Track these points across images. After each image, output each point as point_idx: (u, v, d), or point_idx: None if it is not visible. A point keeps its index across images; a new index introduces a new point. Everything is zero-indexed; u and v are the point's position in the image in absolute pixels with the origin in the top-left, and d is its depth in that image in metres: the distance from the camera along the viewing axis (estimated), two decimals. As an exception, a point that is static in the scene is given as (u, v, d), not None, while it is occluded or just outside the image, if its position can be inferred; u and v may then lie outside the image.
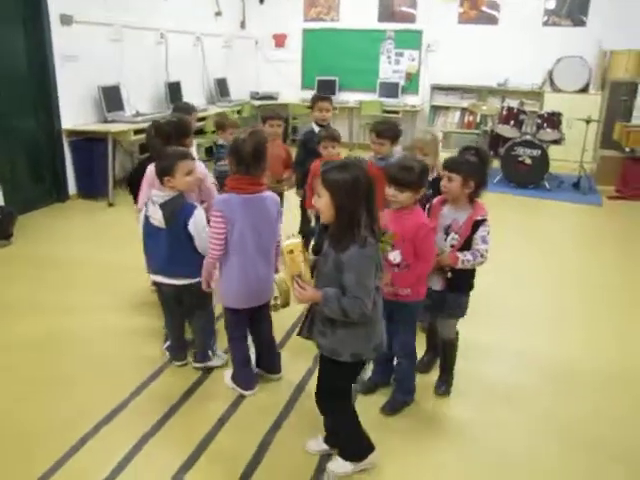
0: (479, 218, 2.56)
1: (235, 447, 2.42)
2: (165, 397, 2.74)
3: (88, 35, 6.00)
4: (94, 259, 4.46)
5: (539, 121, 7.23)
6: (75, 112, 5.97)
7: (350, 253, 1.91)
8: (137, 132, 6.10)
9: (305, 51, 9.86)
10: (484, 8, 8.91)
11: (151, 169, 2.88)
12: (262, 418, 2.60)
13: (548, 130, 7.15)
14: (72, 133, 5.91)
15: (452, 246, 2.57)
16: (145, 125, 6.14)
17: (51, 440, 2.43)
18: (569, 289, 4.25)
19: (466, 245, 2.56)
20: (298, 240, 2.01)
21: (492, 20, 8.91)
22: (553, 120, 7.17)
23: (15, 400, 2.71)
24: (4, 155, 5.27)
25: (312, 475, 2.27)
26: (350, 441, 2.30)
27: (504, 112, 7.41)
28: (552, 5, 8.67)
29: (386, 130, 3.59)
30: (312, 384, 2.55)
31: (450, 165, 2.55)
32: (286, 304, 2.52)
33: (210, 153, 5.66)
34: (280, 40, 9.91)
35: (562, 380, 3.03)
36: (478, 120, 9.08)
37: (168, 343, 3.08)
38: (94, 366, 3.01)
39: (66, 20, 5.69)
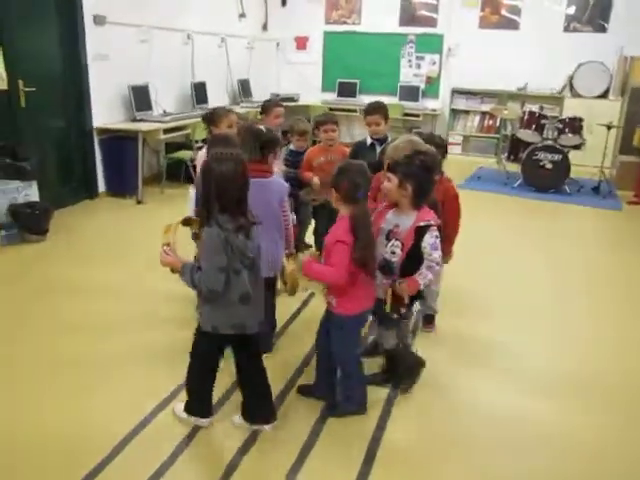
0: (422, 224, 2.46)
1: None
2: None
3: (119, 35, 6.12)
4: (126, 255, 4.57)
5: (560, 126, 7.28)
6: (106, 111, 6.09)
7: (204, 232, 2.17)
8: (165, 131, 6.23)
9: (326, 54, 9.95)
10: (505, 13, 8.99)
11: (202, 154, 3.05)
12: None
13: (569, 135, 7.20)
14: (103, 131, 6.03)
15: (393, 253, 2.50)
16: (173, 124, 6.33)
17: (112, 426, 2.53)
18: (589, 292, 4.30)
19: (411, 254, 2.47)
20: (177, 221, 2.37)
21: (513, 25, 8.98)
22: (574, 125, 7.22)
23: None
24: (37, 152, 5.37)
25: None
26: (190, 395, 2.51)
27: (526, 117, 7.46)
28: (573, 11, 8.73)
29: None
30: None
31: (391, 165, 2.54)
32: (293, 292, 2.76)
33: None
34: (301, 42, 10.01)
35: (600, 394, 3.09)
36: (498, 124, 9.15)
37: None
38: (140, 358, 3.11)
39: (99, 20, 5.81)
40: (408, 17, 9.40)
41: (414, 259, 2.48)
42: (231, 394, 2.76)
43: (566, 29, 8.80)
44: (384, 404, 2.76)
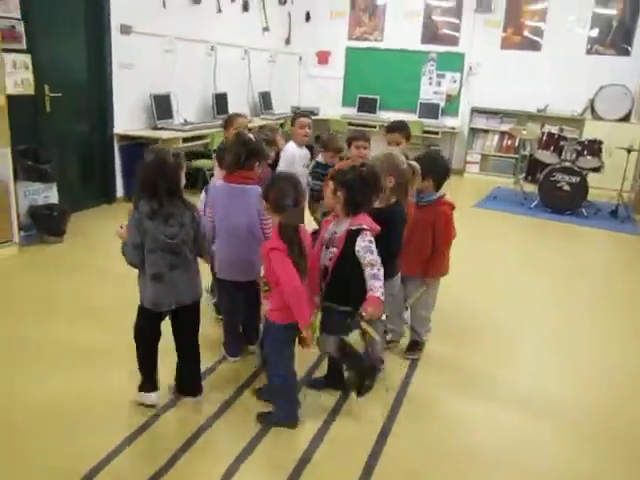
0: (353, 228, 2.48)
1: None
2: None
3: (144, 45, 6.25)
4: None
5: (579, 148, 7.24)
6: (127, 118, 6.21)
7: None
8: (185, 140, 6.32)
9: (348, 69, 10.04)
10: (527, 34, 9.00)
11: None
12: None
13: (588, 157, 7.16)
14: (123, 138, 6.14)
15: (330, 259, 2.55)
16: (192, 134, 6.43)
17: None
18: (599, 317, 4.26)
19: (343, 258, 2.48)
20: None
21: (535, 46, 8.99)
22: (593, 148, 7.18)
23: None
24: (59, 155, 5.49)
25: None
26: (139, 370, 2.66)
27: (544, 138, 7.44)
28: (596, 33, 8.72)
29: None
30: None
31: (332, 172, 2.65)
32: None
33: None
34: (323, 57, 10.11)
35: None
36: (516, 144, 9.14)
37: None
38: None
39: (125, 30, 5.94)
40: (430, 35, 9.46)
41: (346, 263, 2.48)
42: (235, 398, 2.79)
43: (588, 51, 8.79)
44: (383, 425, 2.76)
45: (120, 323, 3.12)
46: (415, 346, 3.37)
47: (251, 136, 3.14)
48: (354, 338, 2.49)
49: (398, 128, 3.83)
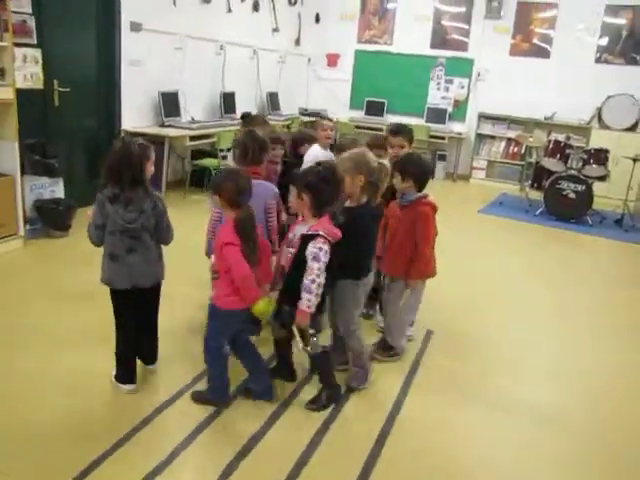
0: (308, 233, 2.50)
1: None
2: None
3: (154, 42, 6.28)
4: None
5: (585, 157, 7.24)
6: (135, 114, 6.24)
7: None
8: (192, 138, 6.35)
9: (356, 72, 10.06)
10: (537, 41, 9.00)
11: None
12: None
13: (594, 166, 7.15)
14: (131, 134, 6.14)
15: (287, 260, 2.64)
16: (200, 132, 6.45)
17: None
18: (600, 326, 4.26)
19: (296, 260, 2.53)
20: None
21: (544, 53, 8.98)
22: (600, 156, 7.18)
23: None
24: (66, 150, 5.52)
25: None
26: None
27: (551, 145, 7.43)
28: (606, 42, 8.72)
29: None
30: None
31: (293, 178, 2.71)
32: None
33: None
34: (332, 59, 10.13)
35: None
36: (523, 151, 9.13)
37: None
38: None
39: (135, 27, 5.97)
40: (439, 40, 9.47)
41: (300, 266, 2.51)
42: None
43: (597, 60, 8.78)
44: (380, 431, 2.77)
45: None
46: (385, 347, 3.34)
47: (260, 132, 3.24)
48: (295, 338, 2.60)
49: (401, 131, 3.78)
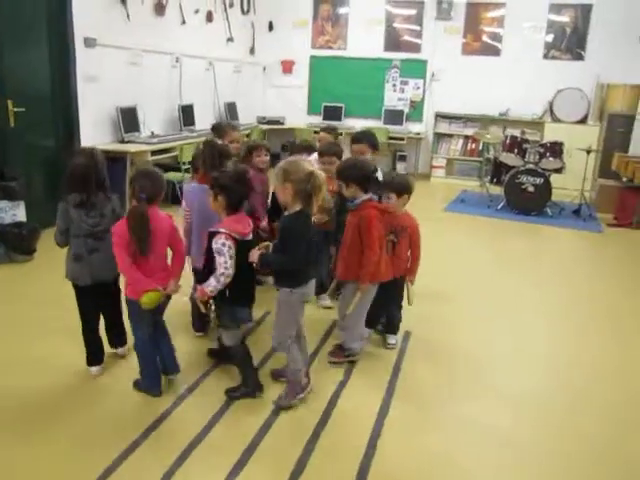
0: (212, 230, 2.68)
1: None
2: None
3: (109, 57, 6.18)
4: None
5: (541, 150, 7.44)
6: (94, 132, 6.12)
7: None
8: (153, 153, 6.27)
9: (312, 78, 10.11)
10: (487, 39, 9.23)
11: None
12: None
13: (550, 159, 7.37)
14: (91, 152, 6.04)
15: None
16: (161, 146, 6.37)
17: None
18: (567, 311, 4.40)
19: (207, 256, 2.71)
20: None
21: (494, 51, 9.22)
22: (555, 149, 7.40)
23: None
24: (26, 172, 5.38)
25: None
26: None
27: (508, 141, 7.62)
28: (552, 39, 9.00)
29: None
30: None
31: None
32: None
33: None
34: (288, 66, 10.16)
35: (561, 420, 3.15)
36: (480, 148, 9.34)
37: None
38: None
39: (89, 43, 5.87)
40: (393, 43, 9.61)
41: (210, 261, 2.68)
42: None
43: (545, 56, 9.07)
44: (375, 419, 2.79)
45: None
46: (339, 350, 3.35)
47: (219, 142, 3.50)
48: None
49: (362, 138, 3.80)
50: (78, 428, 2.64)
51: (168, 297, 2.89)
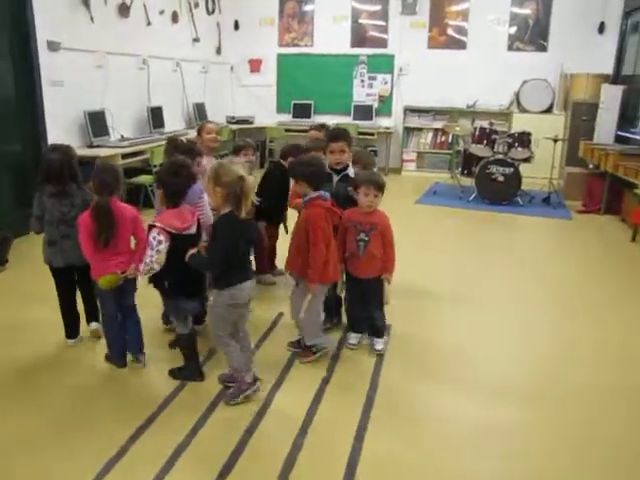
0: (150, 223, 2.80)
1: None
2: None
3: (74, 61, 6.09)
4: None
5: (510, 140, 7.56)
6: (62, 137, 5.96)
7: None
8: (124, 156, 6.19)
9: (280, 76, 10.10)
10: (452, 33, 9.33)
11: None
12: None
13: (519, 149, 7.49)
14: (59, 157, 5.94)
15: None
16: (131, 150, 6.30)
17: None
18: (542, 296, 4.50)
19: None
20: None
21: (460, 45, 9.33)
22: (523, 139, 7.52)
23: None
24: (-8, 180, 5.29)
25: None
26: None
27: (477, 132, 7.72)
28: (515, 31, 9.14)
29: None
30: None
31: None
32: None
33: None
34: (255, 65, 10.13)
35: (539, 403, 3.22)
36: (450, 140, 9.44)
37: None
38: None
39: (53, 46, 5.77)
40: (359, 38, 9.66)
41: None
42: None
43: (510, 48, 9.21)
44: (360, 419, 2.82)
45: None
46: (307, 350, 3.32)
47: (182, 139, 3.70)
48: None
49: (342, 136, 3.56)
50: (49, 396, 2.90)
51: (131, 281, 3.09)
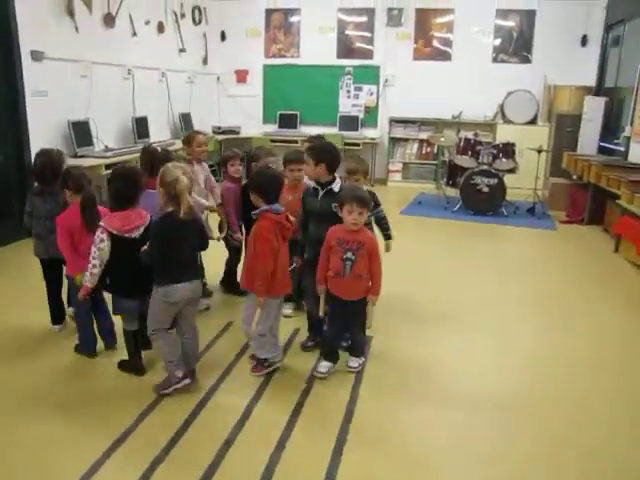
0: (98, 223, 3.04)
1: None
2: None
3: (58, 71, 6.05)
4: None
5: (494, 151, 7.61)
6: (45, 147, 5.93)
7: None
8: (108, 167, 6.15)
9: (266, 86, 10.11)
10: (437, 45, 9.41)
11: None
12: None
13: (503, 160, 7.55)
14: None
15: None
16: (115, 160, 6.27)
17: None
18: (526, 306, 4.51)
19: None
20: None
21: (445, 56, 9.41)
22: (507, 150, 7.58)
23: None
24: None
25: None
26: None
27: (461, 143, 7.77)
28: (499, 43, 9.24)
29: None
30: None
31: None
32: None
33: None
34: (242, 76, 10.14)
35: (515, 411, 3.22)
36: (435, 151, 9.49)
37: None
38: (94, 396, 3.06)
39: (37, 56, 5.74)
40: (345, 49, 9.71)
41: None
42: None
43: (494, 60, 9.31)
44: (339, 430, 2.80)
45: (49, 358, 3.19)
46: (259, 364, 3.29)
47: (157, 148, 3.92)
48: None
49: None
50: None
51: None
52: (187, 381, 3.03)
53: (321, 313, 3.28)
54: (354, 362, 3.36)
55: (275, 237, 3.05)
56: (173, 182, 2.82)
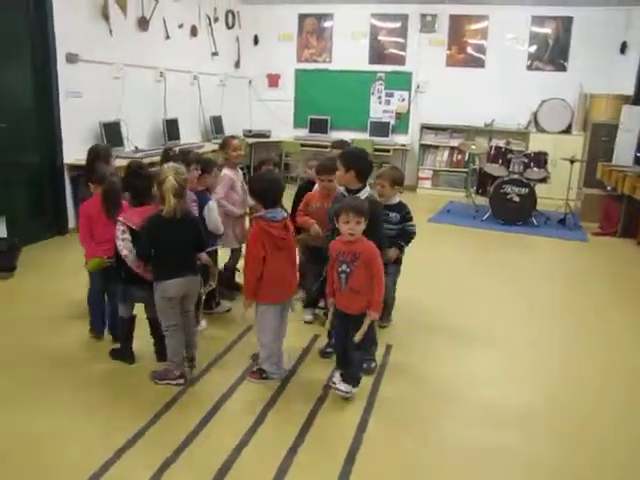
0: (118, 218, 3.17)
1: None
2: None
3: (91, 73, 6.17)
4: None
5: (526, 160, 7.48)
6: (77, 147, 6.04)
7: None
8: (137, 167, 6.23)
9: (298, 91, 10.14)
10: (471, 51, 9.30)
11: None
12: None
13: (535, 169, 7.40)
14: (74, 167, 6.00)
15: None
16: (145, 161, 6.32)
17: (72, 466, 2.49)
18: (556, 320, 4.40)
19: None
20: None
21: (479, 63, 9.30)
22: (539, 159, 7.44)
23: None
24: (7, 187, 5.35)
25: None
26: None
27: (492, 151, 7.66)
28: (534, 50, 9.09)
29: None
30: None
31: None
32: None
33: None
34: (273, 80, 10.19)
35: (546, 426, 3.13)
36: (466, 159, 9.38)
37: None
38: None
39: (71, 59, 5.86)
40: (377, 55, 9.68)
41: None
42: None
43: (529, 67, 9.16)
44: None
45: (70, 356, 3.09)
46: (258, 371, 3.26)
47: (176, 149, 4.24)
48: None
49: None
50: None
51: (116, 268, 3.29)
52: (181, 381, 3.15)
53: (327, 326, 3.26)
54: (342, 386, 3.04)
55: (262, 245, 3.03)
56: (161, 182, 2.95)
